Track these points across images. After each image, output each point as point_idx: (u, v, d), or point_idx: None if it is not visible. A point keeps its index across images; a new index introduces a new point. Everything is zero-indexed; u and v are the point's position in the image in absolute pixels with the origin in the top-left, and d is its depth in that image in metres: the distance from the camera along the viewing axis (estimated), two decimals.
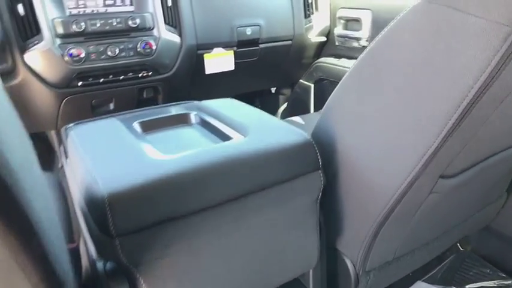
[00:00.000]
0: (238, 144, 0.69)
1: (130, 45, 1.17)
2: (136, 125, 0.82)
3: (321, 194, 0.74)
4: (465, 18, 0.51)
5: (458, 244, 1.24)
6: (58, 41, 1.08)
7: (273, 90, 1.91)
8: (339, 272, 0.86)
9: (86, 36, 1.11)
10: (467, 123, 0.57)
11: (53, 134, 1.37)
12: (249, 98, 2.03)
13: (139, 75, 1.22)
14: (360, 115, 0.70)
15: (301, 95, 1.79)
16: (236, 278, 0.70)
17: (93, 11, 1.13)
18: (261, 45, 1.48)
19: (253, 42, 1.45)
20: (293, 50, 1.57)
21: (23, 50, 1.06)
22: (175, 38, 1.26)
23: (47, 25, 1.06)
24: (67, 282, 0.41)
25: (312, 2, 1.57)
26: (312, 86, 1.74)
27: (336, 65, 1.61)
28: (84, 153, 0.66)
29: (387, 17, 1.41)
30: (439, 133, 0.57)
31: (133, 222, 0.55)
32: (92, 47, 1.12)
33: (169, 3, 1.25)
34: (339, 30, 1.57)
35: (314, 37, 1.61)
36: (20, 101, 1.13)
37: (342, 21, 1.56)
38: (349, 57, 1.58)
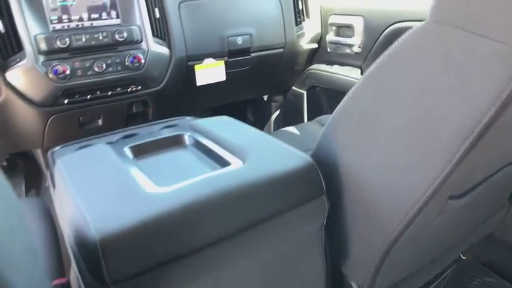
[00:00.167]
0: (238, 172, 0.66)
1: (117, 60, 1.12)
2: (127, 150, 0.77)
3: (325, 220, 0.71)
4: (478, 40, 0.49)
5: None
6: (42, 58, 1.03)
7: (266, 97, 1.88)
8: None
9: (71, 52, 1.06)
10: (482, 145, 0.54)
11: (39, 153, 1.31)
12: (241, 106, 2.00)
13: (128, 89, 1.18)
14: (365, 135, 0.67)
15: (294, 102, 1.77)
16: None
17: (77, 25, 1.08)
18: (253, 54, 1.45)
19: (245, 51, 1.42)
20: (285, 58, 1.54)
21: (4, 69, 1.00)
22: (165, 50, 1.22)
23: (30, 42, 1.00)
24: None
25: (302, 9, 1.55)
26: (305, 93, 1.72)
27: (328, 71, 1.59)
28: (73, 188, 0.62)
29: (379, 23, 1.41)
30: (454, 155, 0.54)
31: (129, 267, 0.51)
32: (77, 63, 1.07)
33: (157, 15, 1.20)
34: (330, 36, 1.55)
35: (306, 44, 1.58)
36: (3, 120, 1.08)
37: (334, 28, 1.54)
38: (342, 64, 1.56)
